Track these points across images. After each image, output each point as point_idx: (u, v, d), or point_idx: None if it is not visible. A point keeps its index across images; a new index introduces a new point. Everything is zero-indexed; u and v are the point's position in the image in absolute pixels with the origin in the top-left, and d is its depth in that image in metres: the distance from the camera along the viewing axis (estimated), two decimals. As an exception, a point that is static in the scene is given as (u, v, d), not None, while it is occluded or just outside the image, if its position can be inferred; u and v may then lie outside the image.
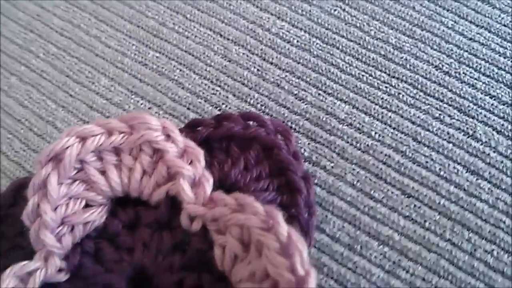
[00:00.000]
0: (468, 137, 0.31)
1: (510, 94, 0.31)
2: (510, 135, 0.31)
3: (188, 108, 0.32)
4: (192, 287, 0.27)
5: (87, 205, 0.28)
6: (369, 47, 0.33)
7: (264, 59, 0.33)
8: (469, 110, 0.31)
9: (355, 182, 0.30)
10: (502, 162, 0.30)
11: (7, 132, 0.33)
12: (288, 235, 0.24)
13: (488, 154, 0.30)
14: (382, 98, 0.32)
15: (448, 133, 0.31)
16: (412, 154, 0.30)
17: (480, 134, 0.31)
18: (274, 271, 0.24)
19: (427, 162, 0.30)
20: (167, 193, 0.28)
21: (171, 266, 0.27)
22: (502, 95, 0.31)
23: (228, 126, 0.29)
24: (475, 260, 0.28)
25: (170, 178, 0.28)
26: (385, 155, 0.30)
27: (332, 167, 0.30)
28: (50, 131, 0.32)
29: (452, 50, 0.33)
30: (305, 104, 0.32)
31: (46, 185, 0.26)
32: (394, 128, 0.31)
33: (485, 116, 0.31)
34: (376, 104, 0.31)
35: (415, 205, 0.29)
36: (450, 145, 0.30)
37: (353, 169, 0.30)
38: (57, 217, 0.27)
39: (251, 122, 0.30)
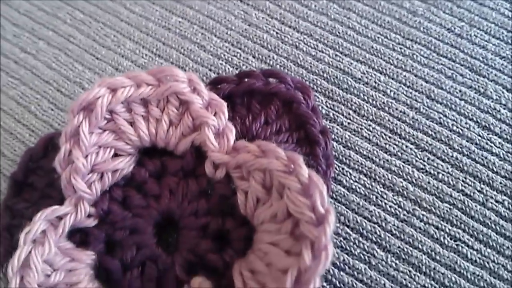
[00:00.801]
0: (479, 94, 0.32)
1: (520, 56, 0.33)
2: (520, 93, 0.32)
3: (210, 70, 0.34)
4: (216, 231, 0.28)
5: (116, 155, 0.29)
6: (384, 11, 0.34)
7: (283, 23, 0.34)
8: (480, 70, 0.32)
9: (370, 137, 0.31)
10: (512, 118, 0.31)
11: (35, 92, 0.34)
12: (309, 176, 0.26)
13: (499, 111, 0.31)
14: (397, 59, 0.33)
15: (460, 91, 0.32)
16: (426, 110, 0.31)
17: (491, 92, 0.32)
18: (296, 210, 0.25)
19: (440, 118, 0.31)
20: (192, 143, 0.29)
21: (196, 211, 0.28)
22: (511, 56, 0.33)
23: (249, 83, 0.31)
24: (486, 210, 0.29)
25: (195, 129, 0.29)
26: (400, 111, 0.31)
27: (349, 123, 0.32)
28: (77, 91, 0.34)
29: (463, 14, 0.34)
30: (323, 65, 0.33)
31: (78, 133, 0.28)
32: (408, 87, 0.32)
33: (495, 75, 0.32)
34: (391, 64, 0.33)
35: (428, 158, 0.30)
36: (462, 102, 0.32)
37: (369, 125, 0.31)
38: (88, 164, 0.28)
39: (271, 79, 0.31)
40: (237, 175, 0.28)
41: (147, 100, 0.29)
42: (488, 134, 0.31)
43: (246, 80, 0.31)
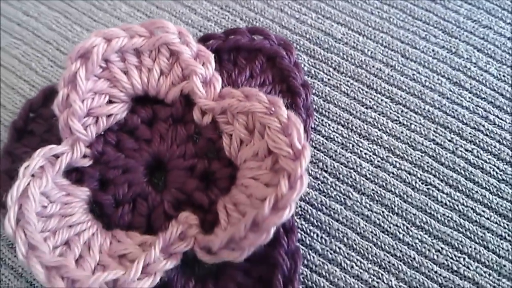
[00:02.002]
0: (451, 54, 0.34)
1: (490, 19, 0.35)
2: (489, 52, 0.34)
3: (200, 31, 0.36)
4: (203, 171, 0.30)
5: (110, 102, 0.31)
6: (363, -22, 0.37)
7: (269, -11, 0.37)
8: (452, 32, 0.35)
9: (349, 92, 0.33)
10: (482, 75, 0.33)
11: (36, 51, 0.36)
12: (288, 116, 0.28)
13: (469, 68, 0.33)
14: (375, 21, 0.35)
15: (433, 50, 0.34)
16: (401, 68, 0.34)
17: (462, 52, 0.34)
18: (275, 146, 0.27)
19: (413, 74, 0.33)
20: (181, 91, 0.31)
21: (184, 154, 0.31)
22: (482, 20, 0.35)
23: (235, 39, 0.33)
24: (456, 158, 0.31)
25: (184, 78, 0.31)
26: (376, 68, 0.34)
27: (329, 79, 0.34)
28: (75, 51, 0.36)
29: (438, -19, 0.36)
30: (306, 26, 0.35)
31: (75, 78, 0.30)
32: (384, 46, 0.34)
33: (467, 36, 0.34)
34: (369, 26, 0.35)
35: (402, 111, 0.33)
36: (435, 60, 0.34)
37: (348, 81, 0.34)
38: (84, 108, 0.30)
39: (256, 36, 0.33)
40: (223, 120, 0.30)
41: (140, 50, 0.31)
42: (459, 89, 0.33)
43: (232, 36, 0.33)
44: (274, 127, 0.28)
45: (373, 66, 0.34)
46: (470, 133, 0.32)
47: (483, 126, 0.32)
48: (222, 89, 0.31)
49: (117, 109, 0.31)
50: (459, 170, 0.31)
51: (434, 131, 0.32)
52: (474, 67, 0.34)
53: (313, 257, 0.30)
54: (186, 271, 0.29)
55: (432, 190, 0.31)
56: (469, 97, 0.33)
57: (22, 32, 0.37)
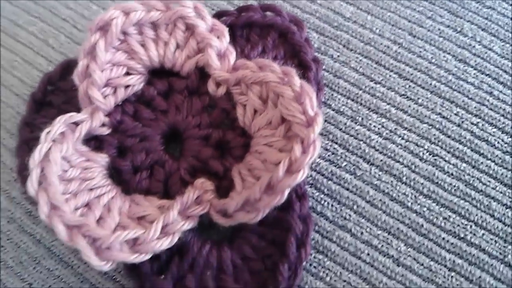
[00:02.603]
0: (456, 32, 0.35)
1: (493, 0, 0.36)
2: (493, 32, 0.35)
3: (213, 9, 0.37)
4: (218, 141, 0.31)
5: (127, 74, 0.32)
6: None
7: (279, -30, 0.38)
8: (457, 12, 0.36)
9: (358, 68, 0.34)
10: (486, 53, 0.34)
11: (53, 28, 0.37)
12: (301, 85, 0.29)
13: (474, 46, 0.35)
14: (383, 1, 0.36)
15: (439, 29, 0.35)
16: (408, 45, 0.35)
17: (466, 31, 0.35)
18: (289, 113, 0.29)
19: (420, 51, 0.34)
20: (196, 64, 0.32)
21: (199, 124, 0.32)
22: (486, 1, 0.36)
23: (248, 15, 0.34)
24: (462, 130, 0.32)
25: (199, 51, 0.32)
26: (385, 46, 0.35)
27: (338, 56, 0.35)
28: (92, 28, 0.37)
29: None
30: (315, 6, 0.36)
31: (94, 49, 0.31)
32: (392, 25, 0.35)
33: (471, 16, 0.36)
34: (377, 6, 0.36)
35: (409, 86, 0.34)
36: (441, 38, 0.35)
37: (357, 58, 0.35)
38: (103, 78, 0.31)
39: (268, 13, 0.34)
40: (237, 91, 0.31)
41: (157, 24, 0.32)
42: (464, 66, 0.34)
43: (245, 13, 0.34)
44: (288, 96, 0.29)
45: (381, 44, 0.35)
46: (475, 107, 0.33)
47: (488, 100, 0.33)
48: (236, 61, 0.32)
49: (134, 80, 0.32)
50: (465, 142, 0.32)
51: (440, 105, 0.33)
52: (479, 45, 0.35)
53: (324, 223, 0.31)
54: (202, 235, 0.30)
55: (439, 161, 0.32)
56: (474, 74, 0.34)
57: (39, 9, 0.38)
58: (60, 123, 0.30)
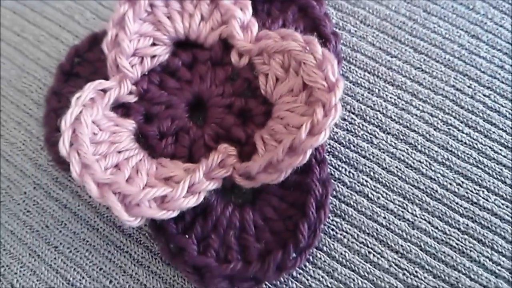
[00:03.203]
0: (469, 10, 0.36)
1: (505, -21, 0.37)
2: (503, 9, 0.36)
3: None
4: (240, 109, 0.32)
5: (154, 45, 0.34)
6: None
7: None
8: (470, -10, 0.37)
9: (374, 42, 0.36)
10: (497, 29, 0.36)
11: (79, 5, 0.39)
12: (323, 52, 0.30)
13: (486, 23, 0.36)
14: (398, -20, 0.38)
15: (452, 6, 0.36)
16: (423, 21, 0.36)
17: (478, 8, 0.36)
18: (311, 79, 0.30)
19: (435, 27, 0.36)
20: (220, 35, 0.33)
21: (223, 93, 0.33)
22: (498, -21, 0.37)
23: (269, -10, 0.35)
24: (475, 102, 0.34)
25: (223, 24, 0.33)
26: (400, 21, 0.36)
27: (356, 31, 0.36)
28: (117, 5, 0.38)
29: None
30: (333, -16, 0.38)
31: (124, 20, 0.32)
32: (408, 2, 0.37)
33: (484, -6, 0.37)
34: (392, -16, 0.37)
35: (424, 59, 0.35)
36: (454, 15, 0.36)
37: (373, 32, 0.36)
38: (131, 47, 0.32)
39: (288, -11, 0.35)
40: (259, 61, 0.32)
41: (182, -3, 0.34)
42: (476, 41, 0.35)
43: (266, -12, 0.36)
44: (310, 63, 0.30)
45: (397, 19, 0.36)
46: (487, 80, 0.34)
47: (499, 74, 0.34)
48: (259, 32, 0.33)
49: (160, 50, 0.33)
50: (477, 112, 0.33)
51: (454, 78, 0.34)
52: (490, 22, 0.36)
53: (342, 189, 0.32)
54: (224, 199, 0.31)
55: (453, 130, 0.33)
56: (486, 48, 0.35)
57: (66, -13, 0.40)
58: (90, 89, 0.31)
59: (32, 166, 0.34)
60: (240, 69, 0.33)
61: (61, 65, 0.35)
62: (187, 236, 0.30)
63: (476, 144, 0.33)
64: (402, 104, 0.34)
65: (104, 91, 0.32)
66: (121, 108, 0.32)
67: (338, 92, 0.29)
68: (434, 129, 0.33)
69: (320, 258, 0.31)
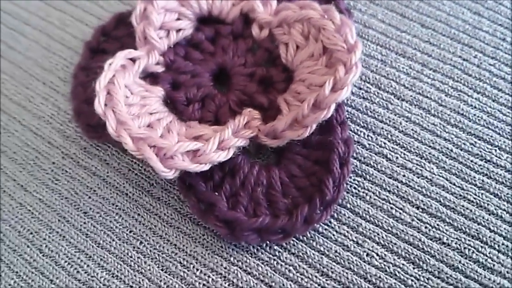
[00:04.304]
0: (470, -10, 0.39)
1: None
2: (503, -11, 0.39)
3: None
4: (262, 77, 0.34)
5: (178, 20, 0.35)
6: None
7: None
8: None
9: (384, 19, 0.38)
10: (497, 7, 0.38)
11: (102, -8, 0.41)
12: (341, 18, 0.32)
13: (486, 1, 0.38)
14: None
15: (454, -14, 0.39)
16: (428, 0, 0.38)
17: (479, -12, 0.39)
18: (331, 42, 0.32)
19: (439, 5, 0.38)
20: (241, 10, 0.35)
21: (245, 62, 0.35)
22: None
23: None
24: (481, 70, 0.36)
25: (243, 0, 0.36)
26: (407, 0, 0.38)
27: (366, 10, 0.38)
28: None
29: None
30: (342, -31, 0.40)
31: (151, -6, 0.34)
32: (413, -15, 0.39)
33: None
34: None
35: (431, 34, 0.37)
36: (456, -5, 0.39)
37: (383, 11, 0.38)
38: (159, 20, 0.34)
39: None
40: (279, 32, 0.34)
41: (205, -25, 0.36)
42: (478, 17, 0.38)
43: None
44: (329, 27, 0.32)
45: (404, -1, 0.39)
46: (491, 51, 0.36)
47: (502, 45, 0.36)
48: (278, 5, 0.35)
49: (185, 24, 0.35)
50: (484, 79, 0.35)
51: (460, 50, 0.36)
52: (490, 0, 0.39)
53: (361, 151, 0.33)
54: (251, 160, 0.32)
55: (463, 96, 0.35)
56: (488, 23, 0.37)
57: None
58: (121, 56, 0.32)
59: (60, 137, 0.35)
60: (261, 40, 0.35)
61: (88, 42, 0.36)
62: (216, 193, 0.31)
63: (486, 107, 0.34)
64: (414, 74, 0.36)
65: (133, 60, 0.33)
66: (149, 78, 0.34)
67: (358, 52, 0.31)
68: (446, 95, 0.35)
69: (345, 215, 0.32)
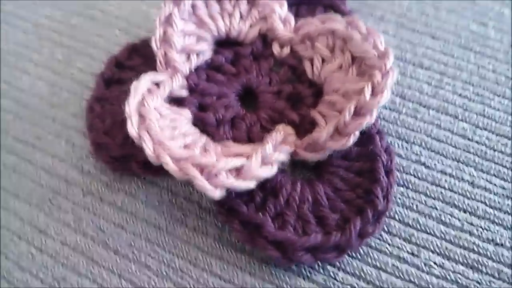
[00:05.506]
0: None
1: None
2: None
3: None
4: (289, 94, 0.33)
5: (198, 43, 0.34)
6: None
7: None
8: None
9: (395, 34, 0.38)
10: (501, 15, 0.40)
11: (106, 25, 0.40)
12: (367, 28, 0.32)
13: (488, 14, 0.40)
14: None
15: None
16: (433, 14, 0.39)
17: (479, 2, 0.41)
18: (361, 51, 0.31)
19: (446, 19, 0.39)
20: (259, 30, 0.35)
21: (270, 81, 0.34)
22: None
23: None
24: (497, 75, 0.36)
25: (261, 20, 0.35)
26: (415, 16, 0.39)
27: (377, 27, 0.39)
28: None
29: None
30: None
31: (171, 17, 0.33)
32: (417, 2, 0.40)
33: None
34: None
35: (443, 45, 0.38)
36: (460, 8, 0.40)
37: (393, 27, 0.39)
38: (179, 43, 0.33)
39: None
40: (301, 48, 0.34)
41: (221, -1, 0.35)
42: (484, 28, 0.39)
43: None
44: (357, 38, 0.32)
45: (411, 16, 0.39)
46: (502, 57, 0.37)
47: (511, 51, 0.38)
48: (297, 23, 0.35)
49: (205, 46, 0.34)
50: (502, 83, 0.36)
51: (474, 57, 0.37)
52: (491, 12, 0.40)
53: (399, 160, 0.33)
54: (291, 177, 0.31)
55: (486, 100, 0.35)
56: (494, 32, 0.38)
57: None
58: (145, 79, 0.31)
59: (79, 174, 0.33)
60: (283, 58, 0.34)
61: (102, 73, 0.35)
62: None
63: (509, 109, 0.35)
64: (435, 83, 0.36)
65: (157, 84, 0.32)
66: (173, 103, 0.32)
67: (391, 57, 0.31)
68: (469, 100, 0.35)
69: (395, 226, 0.30)
